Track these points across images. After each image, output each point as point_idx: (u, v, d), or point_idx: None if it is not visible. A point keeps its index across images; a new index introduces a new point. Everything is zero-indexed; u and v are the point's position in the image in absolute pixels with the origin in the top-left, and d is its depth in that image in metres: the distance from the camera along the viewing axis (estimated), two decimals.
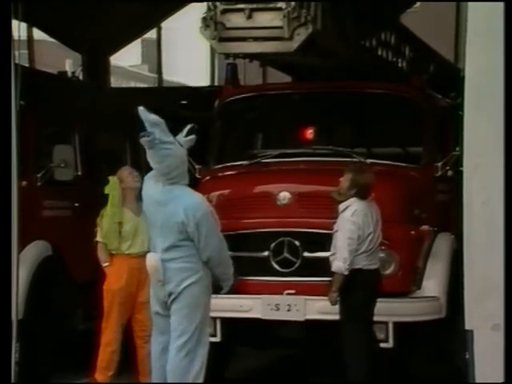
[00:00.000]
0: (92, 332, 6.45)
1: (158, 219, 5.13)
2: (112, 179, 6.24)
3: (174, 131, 7.35)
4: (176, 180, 5.16)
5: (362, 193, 5.74)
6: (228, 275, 5.22)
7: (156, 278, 5.14)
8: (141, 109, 5.13)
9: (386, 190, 6.30)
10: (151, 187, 5.24)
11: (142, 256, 5.55)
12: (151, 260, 5.15)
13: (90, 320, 7.11)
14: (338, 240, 5.66)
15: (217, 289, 5.21)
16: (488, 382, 4.69)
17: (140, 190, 5.53)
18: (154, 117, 5.10)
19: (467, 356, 4.87)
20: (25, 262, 6.46)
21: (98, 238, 6.21)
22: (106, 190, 6.23)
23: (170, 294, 5.12)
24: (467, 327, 4.87)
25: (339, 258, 5.62)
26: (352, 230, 5.62)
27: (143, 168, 7.45)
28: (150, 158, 5.17)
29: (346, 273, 5.61)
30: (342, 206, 5.74)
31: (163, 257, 5.11)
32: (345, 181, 5.76)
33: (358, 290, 5.63)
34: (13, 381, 4.97)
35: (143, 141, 5.11)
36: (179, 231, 5.09)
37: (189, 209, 5.08)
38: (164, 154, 5.11)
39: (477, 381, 4.81)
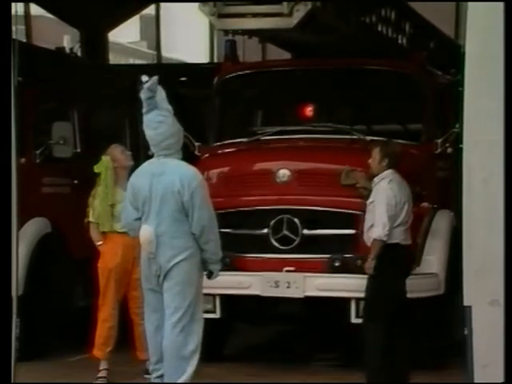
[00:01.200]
0: (91, 308, 6.47)
1: (153, 191, 5.16)
2: (105, 158, 6.18)
3: (175, 108, 7.22)
4: (169, 152, 5.19)
5: (393, 161, 5.81)
6: (216, 257, 5.21)
7: (148, 250, 5.17)
8: (144, 76, 5.18)
9: None
10: (146, 165, 5.28)
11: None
12: (146, 232, 5.17)
13: (90, 296, 7.13)
14: (375, 209, 5.70)
15: (207, 274, 5.22)
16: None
17: (133, 168, 5.52)
18: (155, 84, 5.15)
19: (465, 332, 4.89)
20: (24, 239, 6.47)
21: (90, 219, 6.21)
22: (97, 169, 6.18)
23: (160, 269, 5.15)
24: (466, 303, 4.89)
25: (378, 225, 5.65)
26: (390, 196, 5.69)
27: (141, 145, 7.47)
28: (147, 124, 5.20)
29: (385, 239, 5.63)
30: (376, 179, 5.82)
31: (156, 230, 5.13)
32: (374, 157, 5.83)
33: (393, 266, 5.65)
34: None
35: (146, 91, 5.14)
36: (175, 202, 5.11)
37: (184, 178, 5.12)
38: (160, 120, 5.16)
39: (475, 357, 4.83)
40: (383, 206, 5.65)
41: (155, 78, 5.17)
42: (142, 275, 5.24)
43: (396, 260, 5.67)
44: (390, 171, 5.80)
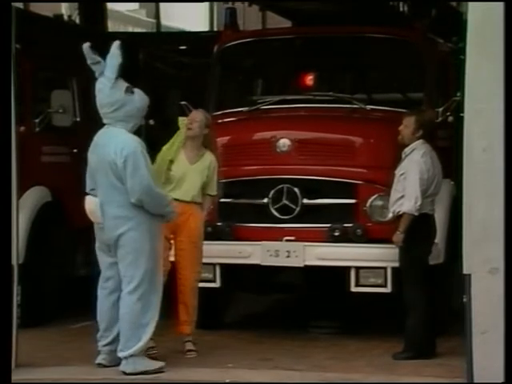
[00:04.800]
0: (91, 277, 6.49)
1: (98, 162, 5.27)
2: (181, 119, 5.94)
3: (174, 77, 7.19)
4: (109, 121, 5.27)
5: (427, 132, 5.73)
6: (165, 211, 5.31)
7: (94, 220, 5.28)
8: (85, 46, 5.25)
9: (385, 137, 6.28)
10: (95, 137, 5.38)
11: (184, 203, 5.63)
12: (88, 202, 5.31)
13: (90, 265, 7.15)
14: (407, 181, 5.65)
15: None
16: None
17: (199, 138, 5.63)
18: (88, 49, 5.22)
19: (464, 299, 4.92)
20: (24, 208, 6.48)
21: None
22: (180, 126, 5.88)
23: (110, 239, 5.25)
24: (465, 271, 4.92)
25: (410, 199, 5.61)
26: (423, 170, 5.64)
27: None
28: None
29: (417, 213, 5.61)
30: (407, 150, 5.75)
31: (101, 200, 5.25)
32: (408, 126, 5.73)
33: (422, 235, 5.66)
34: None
35: (87, 57, 5.22)
36: (113, 172, 5.20)
37: (118, 146, 5.21)
38: (98, 88, 5.26)
39: (474, 324, 4.86)
40: (416, 180, 5.60)
41: (86, 44, 5.22)
42: (96, 243, 5.35)
43: (424, 229, 5.68)
44: (421, 141, 5.72)
